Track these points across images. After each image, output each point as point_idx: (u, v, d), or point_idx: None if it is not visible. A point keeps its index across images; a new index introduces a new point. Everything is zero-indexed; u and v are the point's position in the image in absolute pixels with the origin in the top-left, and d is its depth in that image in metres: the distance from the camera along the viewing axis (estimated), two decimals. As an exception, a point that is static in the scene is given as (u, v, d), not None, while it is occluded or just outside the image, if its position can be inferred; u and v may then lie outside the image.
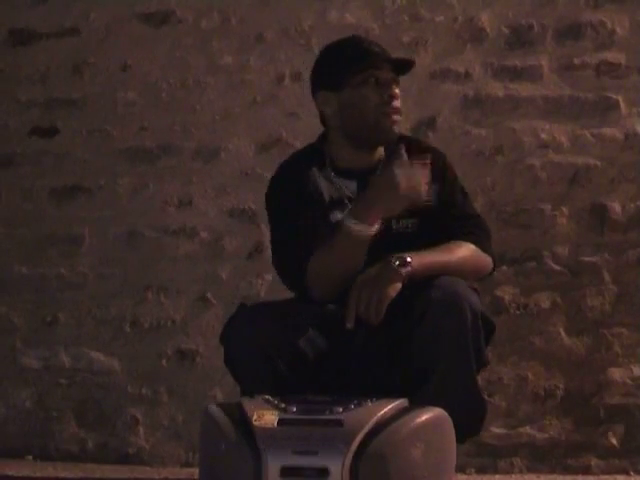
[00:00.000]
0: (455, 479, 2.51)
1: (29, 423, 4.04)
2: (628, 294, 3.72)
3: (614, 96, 3.77)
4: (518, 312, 3.74)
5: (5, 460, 3.85)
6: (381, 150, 2.90)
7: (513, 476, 3.66)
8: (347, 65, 2.83)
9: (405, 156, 2.74)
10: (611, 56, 3.78)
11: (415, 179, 2.70)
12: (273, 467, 2.34)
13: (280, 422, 2.40)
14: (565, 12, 3.81)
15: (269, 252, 2.92)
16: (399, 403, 2.47)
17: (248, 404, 2.48)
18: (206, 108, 4.01)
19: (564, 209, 3.76)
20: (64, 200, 4.09)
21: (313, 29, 3.93)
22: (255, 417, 2.41)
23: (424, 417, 2.42)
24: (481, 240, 2.84)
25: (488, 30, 3.85)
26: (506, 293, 3.74)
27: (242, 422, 2.42)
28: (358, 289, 2.66)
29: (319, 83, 2.90)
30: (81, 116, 4.09)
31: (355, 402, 2.44)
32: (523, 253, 3.76)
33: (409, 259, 2.67)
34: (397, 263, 2.66)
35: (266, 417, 2.41)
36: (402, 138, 2.91)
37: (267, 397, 2.51)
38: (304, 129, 3.80)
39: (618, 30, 3.79)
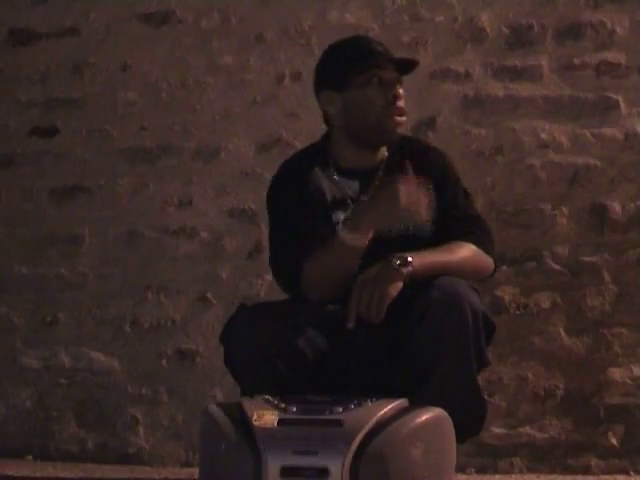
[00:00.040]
0: (455, 479, 2.51)
1: (29, 423, 4.04)
2: (628, 294, 3.72)
3: (614, 96, 3.77)
4: (518, 312, 3.74)
5: (5, 460, 3.85)
6: (384, 150, 2.91)
7: (513, 476, 3.66)
8: (351, 65, 2.83)
9: (412, 174, 2.73)
10: (611, 56, 3.78)
11: (417, 198, 2.70)
12: (273, 467, 2.34)
13: (280, 422, 2.40)
14: (565, 12, 3.81)
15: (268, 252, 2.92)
16: (399, 403, 2.47)
17: (248, 404, 2.48)
18: (206, 108, 4.01)
19: (564, 209, 3.76)
20: (64, 200, 4.09)
21: (313, 29, 3.93)
22: (255, 417, 2.41)
23: (424, 417, 2.42)
24: (483, 241, 2.84)
25: (488, 30, 3.84)
26: (506, 293, 3.74)
27: (242, 422, 2.42)
28: (359, 288, 2.66)
29: (323, 83, 2.89)
30: (81, 116, 4.09)
31: (355, 402, 2.44)
32: (523, 253, 3.76)
33: (410, 258, 2.67)
34: (398, 262, 2.66)
35: (266, 417, 2.41)
36: (404, 139, 2.91)
37: (267, 397, 2.51)
38: (304, 129, 3.81)
39: (618, 30, 3.78)
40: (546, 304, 3.73)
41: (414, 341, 2.64)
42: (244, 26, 4.00)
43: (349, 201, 2.84)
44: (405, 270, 2.66)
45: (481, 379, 2.73)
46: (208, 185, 3.99)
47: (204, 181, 3.99)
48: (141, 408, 3.96)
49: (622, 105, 3.76)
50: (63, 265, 4.06)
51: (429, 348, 2.62)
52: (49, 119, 4.12)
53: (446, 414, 2.48)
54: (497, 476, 3.65)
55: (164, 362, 3.96)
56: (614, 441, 3.66)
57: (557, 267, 3.74)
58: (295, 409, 2.44)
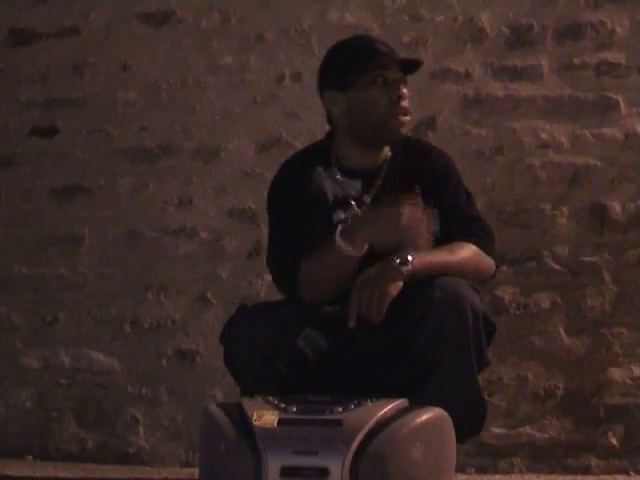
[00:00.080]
0: (455, 479, 2.51)
1: (29, 423, 4.04)
2: (628, 294, 3.72)
3: (614, 96, 3.77)
4: (518, 312, 3.74)
5: (5, 460, 3.85)
6: (387, 150, 2.90)
7: (513, 476, 3.66)
8: (355, 65, 2.82)
9: (420, 204, 2.72)
10: (611, 56, 3.78)
11: (418, 224, 2.67)
12: (273, 467, 2.34)
13: (280, 422, 2.40)
14: (565, 12, 3.81)
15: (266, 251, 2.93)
16: (399, 403, 2.47)
17: (248, 404, 2.48)
18: (206, 108, 4.01)
19: (564, 209, 3.76)
20: (64, 200, 4.09)
21: (313, 29, 3.93)
22: (255, 417, 2.41)
23: (424, 417, 2.42)
24: (484, 242, 2.83)
25: (488, 30, 3.84)
26: (506, 293, 3.74)
27: (242, 422, 2.42)
28: (359, 288, 2.66)
29: (327, 83, 2.89)
30: (81, 116, 4.09)
31: (355, 402, 2.44)
32: (523, 253, 3.76)
33: (410, 258, 2.67)
34: (398, 262, 2.66)
35: (266, 417, 2.41)
36: (407, 139, 2.91)
37: (267, 397, 2.51)
38: (304, 129, 3.81)
39: (618, 30, 3.78)
40: (546, 304, 3.73)
41: (414, 341, 2.64)
42: (244, 26, 4.00)
43: (351, 201, 2.84)
44: (405, 269, 2.66)
45: (481, 379, 2.73)
46: (208, 185, 3.99)
47: (204, 181, 3.99)
48: (141, 408, 3.96)
49: (622, 105, 3.76)
50: (63, 265, 4.06)
51: (429, 348, 2.61)
52: (49, 119, 4.12)
53: (446, 414, 2.48)
54: (497, 476, 3.65)
55: (164, 362, 3.96)
56: (614, 441, 3.66)
57: (557, 267, 3.74)
58: (295, 409, 2.44)
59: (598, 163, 3.76)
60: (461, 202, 2.88)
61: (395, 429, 2.37)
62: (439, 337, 2.60)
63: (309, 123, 3.78)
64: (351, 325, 2.66)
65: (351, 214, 2.81)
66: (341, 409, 2.42)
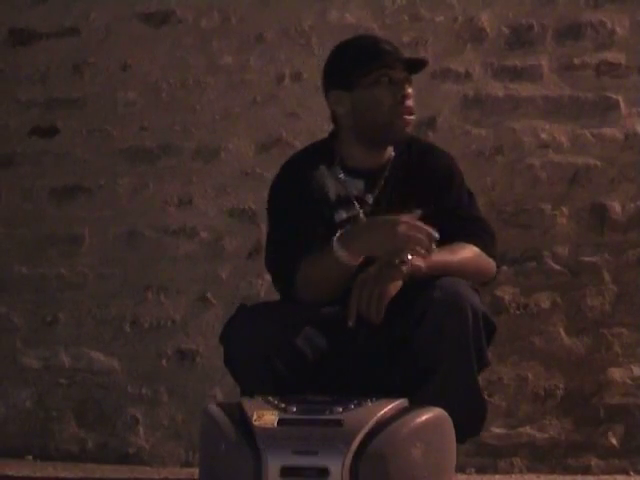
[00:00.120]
0: (455, 479, 2.51)
1: (29, 423, 4.04)
2: (628, 294, 3.72)
3: (614, 96, 3.77)
4: (518, 312, 3.74)
5: (5, 460, 3.85)
6: (390, 150, 2.90)
7: (513, 476, 3.66)
8: (360, 64, 2.82)
9: (419, 217, 2.70)
10: (611, 56, 3.78)
11: (417, 235, 2.64)
12: (273, 467, 2.34)
13: (280, 422, 2.40)
14: (565, 12, 3.81)
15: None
16: (399, 403, 2.47)
17: (248, 404, 2.48)
18: (206, 108, 4.01)
19: (564, 209, 3.76)
20: (64, 200, 4.09)
21: (313, 29, 3.93)
22: (255, 417, 2.41)
23: (424, 417, 2.42)
24: (485, 243, 2.83)
25: (488, 30, 3.84)
26: (506, 293, 3.74)
27: (242, 422, 2.42)
28: (359, 287, 2.66)
29: (331, 82, 2.88)
30: (81, 116, 4.09)
31: (355, 402, 2.44)
32: (523, 253, 3.76)
33: (410, 257, 2.66)
34: (397, 261, 2.66)
35: (266, 417, 2.41)
36: (411, 139, 2.91)
37: (267, 397, 2.51)
38: (304, 129, 3.81)
39: (618, 30, 3.78)
40: (546, 304, 3.73)
41: (414, 341, 2.64)
42: (244, 26, 4.00)
43: (354, 200, 2.84)
44: (405, 269, 2.66)
45: (481, 379, 2.73)
46: (208, 185, 3.99)
47: (204, 181, 3.99)
48: (141, 408, 3.96)
49: (622, 105, 3.76)
50: (63, 265, 4.06)
51: (429, 348, 2.61)
52: (49, 119, 4.12)
53: (446, 414, 2.47)
54: (497, 476, 3.65)
55: (164, 362, 3.96)
56: (614, 441, 3.66)
57: (557, 267, 3.74)
58: (295, 409, 2.44)
59: (598, 163, 3.76)
60: (463, 202, 2.88)
61: (395, 429, 2.37)
62: (439, 337, 2.60)
63: (309, 123, 3.78)
64: (350, 324, 2.65)
65: (353, 214, 2.81)
66: (341, 409, 2.41)
